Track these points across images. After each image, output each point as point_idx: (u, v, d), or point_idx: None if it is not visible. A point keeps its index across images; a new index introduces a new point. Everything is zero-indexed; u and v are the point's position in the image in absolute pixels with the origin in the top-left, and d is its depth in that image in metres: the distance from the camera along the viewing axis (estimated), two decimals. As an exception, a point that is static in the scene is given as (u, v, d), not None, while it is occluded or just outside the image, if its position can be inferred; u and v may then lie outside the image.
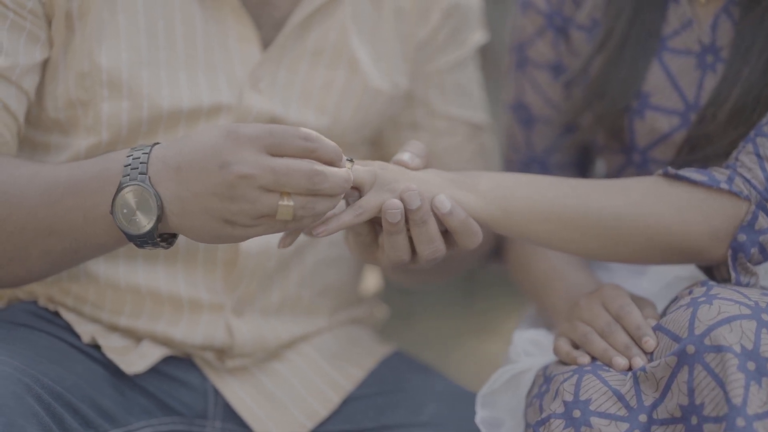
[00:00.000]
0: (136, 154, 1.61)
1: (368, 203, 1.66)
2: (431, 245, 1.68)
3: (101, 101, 1.81)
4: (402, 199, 1.66)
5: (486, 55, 2.21)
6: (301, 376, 1.92)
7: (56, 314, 1.86)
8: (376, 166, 1.70)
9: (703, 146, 1.84)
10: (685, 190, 1.72)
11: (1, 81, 1.74)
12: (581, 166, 2.08)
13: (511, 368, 1.79)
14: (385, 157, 2.07)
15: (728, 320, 1.56)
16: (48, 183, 1.65)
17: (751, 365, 1.53)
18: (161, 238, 1.62)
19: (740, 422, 1.50)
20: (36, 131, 1.86)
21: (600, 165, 2.12)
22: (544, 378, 1.72)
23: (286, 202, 1.57)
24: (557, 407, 1.65)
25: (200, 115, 1.84)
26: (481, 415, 1.79)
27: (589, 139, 1.98)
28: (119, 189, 1.60)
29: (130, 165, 1.60)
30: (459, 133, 2.08)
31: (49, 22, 1.79)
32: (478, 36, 2.07)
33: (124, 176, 1.60)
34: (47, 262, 1.69)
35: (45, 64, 1.81)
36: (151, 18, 1.81)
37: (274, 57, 1.88)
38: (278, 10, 1.88)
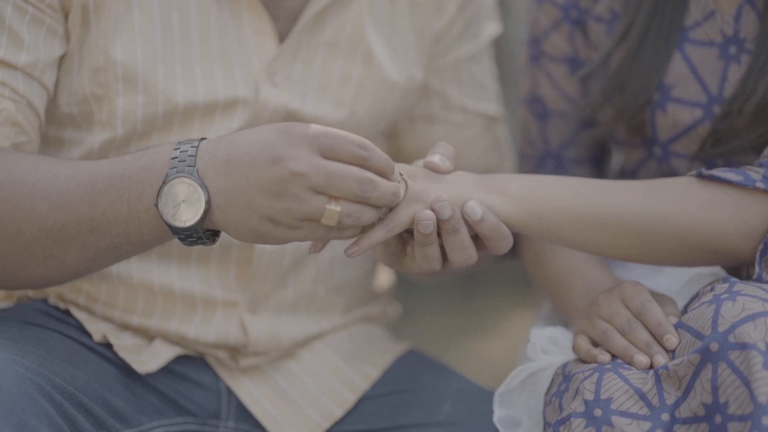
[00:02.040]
0: (183, 147, 1.59)
1: (399, 217, 1.64)
2: (464, 253, 1.66)
3: (116, 96, 1.79)
4: (433, 210, 1.64)
5: (496, 48, 2.20)
6: (316, 375, 1.90)
7: (67, 313, 1.84)
8: (403, 170, 1.68)
9: (728, 140, 1.82)
10: (720, 190, 1.70)
11: (25, 77, 1.72)
12: (597, 161, 2.06)
13: (529, 366, 1.77)
14: (401, 150, 2.06)
15: (752, 317, 1.54)
16: (89, 177, 1.63)
17: (776, 363, 1.52)
18: (205, 233, 1.61)
19: (766, 421, 1.48)
20: (49, 126, 1.84)
21: (616, 159, 2.11)
22: (564, 376, 1.70)
23: (333, 207, 1.55)
24: (578, 406, 1.63)
25: (216, 109, 1.82)
26: (498, 414, 1.77)
27: (609, 133, 1.96)
28: (165, 180, 1.58)
29: (177, 158, 1.59)
30: (475, 126, 2.06)
31: (66, 16, 1.77)
32: (492, 27, 2.06)
33: (171, 168, 1.58)
34: (85, 260, 1.66)
35: (60, 59, 1.79)
36: (165, 12, 1.79)
37: (290, 50, 1.86)
38: (293, 1, 1.86)
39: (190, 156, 1.58)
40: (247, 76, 1.84)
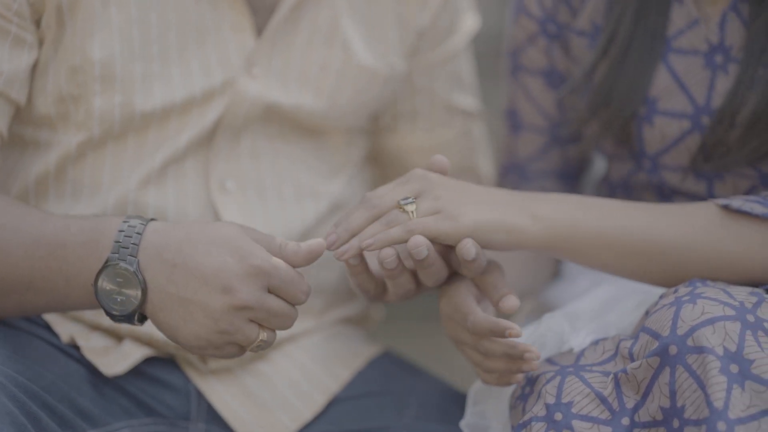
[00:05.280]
0: (128, 230, 1.60)
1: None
2: (436, 277, 1.68)
3: (93, 96, 1.79)
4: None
5: (483, 49, 2.20)
6: (287, 377, 1.89)
7: (36, 312, 1.84)
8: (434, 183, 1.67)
9: (720, 152, 1.79)
10: (749, 223, 1.68)
11: None
12: (567, 175, 2.04)
13: (479, 384, 1.78)
14: (381, 151, 2.08)
15: (711, 321, 1.53)
16: (33, 238, 1.64)
17: (734, 368, 1.49)
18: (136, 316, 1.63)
19: (721, 426, 1.47)
20: (25, 127, 1.84)
21: (597, 171, 2.09)
22: (527, 379, 1.69)
23: (263, 337, 1.60)
24: (539, 410, 1.61)
25: (193, 105, 1.83)
26: (467, 420, 1.76)
27: (596, 147, 1.94)
28: (105, 264, 1.59)
29: (120, 242, 1.59)
30: (455, 126, 2.06)
31: (37, 22, 1.76)
32: (471, 20, 2.06)
33: (113, 252, 1.59)
34: (22, 311, 1.69)
35: (33, 67, 1.79)
36: (143, 9, 1.79)
37: (268, 43, 1.86)
38: None
39: (134, 244, 1.59)
40: (225, 71, 1.84)
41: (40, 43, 1.78)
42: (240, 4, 1.84)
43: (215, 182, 1.86)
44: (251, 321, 1.58)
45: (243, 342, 1.59)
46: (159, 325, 1.61)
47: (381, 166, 2.10)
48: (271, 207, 1.90)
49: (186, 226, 1.61)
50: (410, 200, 1.65)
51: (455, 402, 1.86)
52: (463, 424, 1.76)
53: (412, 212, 1.64)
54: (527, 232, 1.67)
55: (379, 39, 1.94)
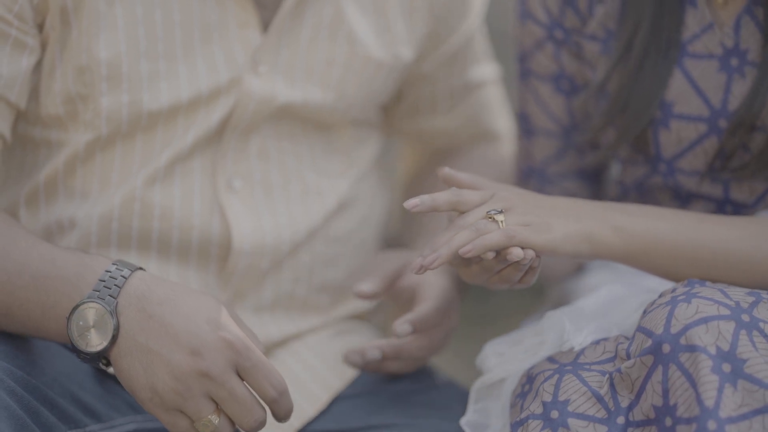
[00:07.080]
0: (115, 271, 1.61)
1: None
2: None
3: (100, 96, 1.81)
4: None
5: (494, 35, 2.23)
6: (291, 374, 1.90)
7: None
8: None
9: (739, 160, 1.79)
10: None
11: None
12: (587, 175, 2.04)
13: (482, 380, 1.78)
14: (405, 133, 2.14)
15: (705, 320, 1.53)
16: (17, 266, 1.66)
17: (726, 367, 1.50)
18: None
19: (712, 425, 1.47)
20: (35, 128, 1.86)
21: (615, 172, 2.08)
22: (527, 377, 1.70)
23: (213, 418, 1.58)
24: (536, 408, 1.62)
25: (199, 104, 1.84)
26: (468, 418, 1.77)
27: (612, 154, 1.94)
28: (84, 300, 1.60)
29: (104, 281, 1.61)
30: (473, 101, 2.11)
31: (40, 24, 1.78)
32: None
33: (94, 290, 1.60)
34: None
35: (38, 64, 1.81)
36: (148, 8, 1.81)
37: (274, 38, 1.88)
38: None
39: (117, 286, 1.60)
40: (231, 69, 1.85)
41: (44, 44, 1.80)
42: (245, 1, 1.85)
43: (222, 181, 1.88)
44: (210, 398, 1.58)
45: (193, 413, 1.58)
46: (119, 372, 1.61)
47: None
48: (278, 205, 1.91)
49: (171, 285, 1.62)
50: (498, 210, 1.66)
51: (458, 399, 1.86)
52: (463, 422, 1.76)
53: (501, 222, 1.65)
54: (608, 243, 1.69)
55: (386, 29, 1.95)
